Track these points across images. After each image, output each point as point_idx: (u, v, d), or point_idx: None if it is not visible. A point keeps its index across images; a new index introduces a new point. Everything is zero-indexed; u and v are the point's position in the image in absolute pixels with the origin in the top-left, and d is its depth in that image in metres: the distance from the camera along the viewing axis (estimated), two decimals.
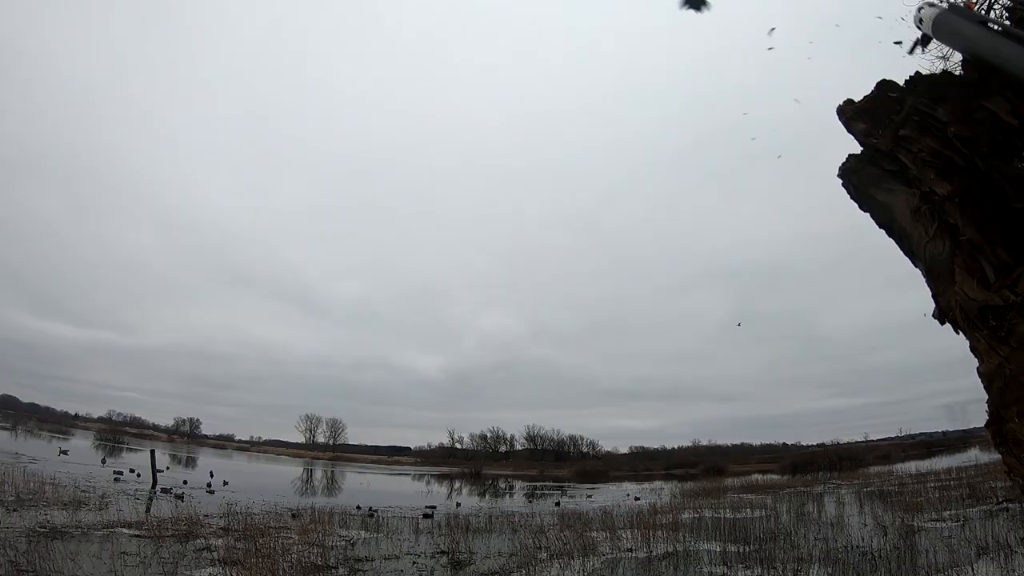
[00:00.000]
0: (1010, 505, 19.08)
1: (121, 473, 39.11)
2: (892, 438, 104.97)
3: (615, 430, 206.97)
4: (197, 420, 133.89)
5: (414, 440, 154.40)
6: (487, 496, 56.32)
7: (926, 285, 6.85)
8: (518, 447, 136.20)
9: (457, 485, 72.79)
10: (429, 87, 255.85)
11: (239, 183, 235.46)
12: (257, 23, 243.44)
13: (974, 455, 52.56)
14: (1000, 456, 6.44)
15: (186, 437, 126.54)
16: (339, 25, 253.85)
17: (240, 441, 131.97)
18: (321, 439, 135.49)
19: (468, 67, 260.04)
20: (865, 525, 20.34)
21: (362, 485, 58.09)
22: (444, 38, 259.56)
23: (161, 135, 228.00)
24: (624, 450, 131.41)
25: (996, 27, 6.32)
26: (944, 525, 18.82)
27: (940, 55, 12.02)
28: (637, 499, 41.08)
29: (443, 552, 18.45)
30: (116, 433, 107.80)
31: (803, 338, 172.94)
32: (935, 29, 6.89)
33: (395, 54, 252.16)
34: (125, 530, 17.83)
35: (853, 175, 7.42)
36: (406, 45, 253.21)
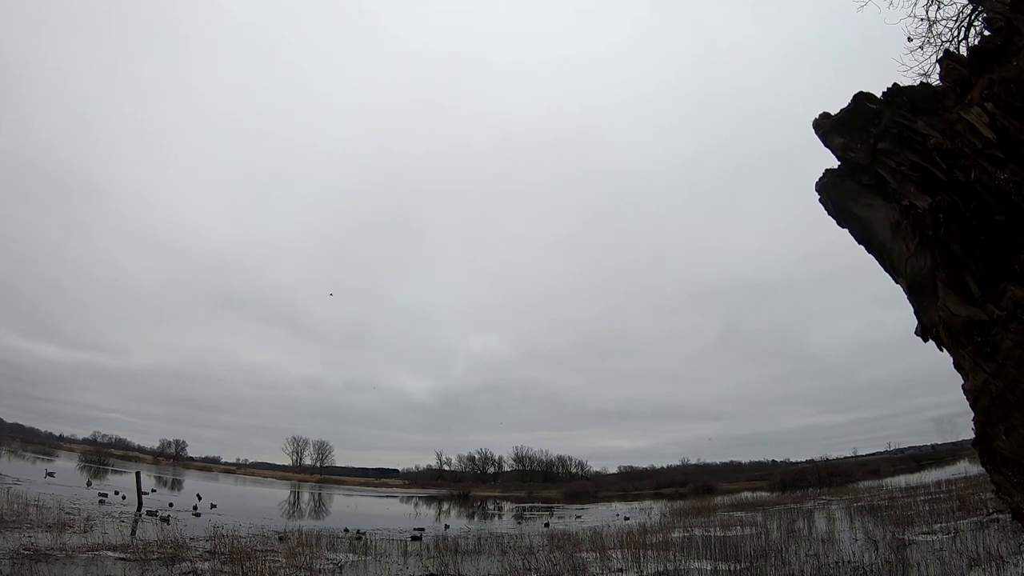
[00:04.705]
0: (1000, 516, 19.12)
1: (106, 495, 38.56)
2: (881, 453, 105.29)
3: (604, 450, 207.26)
4: (183, 442, 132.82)
5: (402, 462, 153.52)
6: (476, 518, 55.95)
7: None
8: (506, 468, 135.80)
9: (445, 507, 72.25)
10: (419, 110, 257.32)
11: (230, 204, 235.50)
12: (251, 45, 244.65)
13: (963, 467, 52.62)
14: (988, 474, 6.36)
15: (172, 459, 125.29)
16: (332, 49, 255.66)
17: (226, 463, 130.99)
18: (308, 461, 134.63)
19: (458, 90, 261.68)
20: (856, 540, 20.30)
21: (350, 507, 57.57)
22: (433, 62, 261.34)
23: (152, 155, 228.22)
24: (613, 470, 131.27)
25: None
26: (935, 538, 18.81)
27: (920, 71, 12.26)
28: (627, 519, 40.87)
29: (432, 575, 18.31)
30: (101, 455, 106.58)
31: (791, 355, 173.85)
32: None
33: (386, 78, 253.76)
34: (110, 553, 17.58)
35: (830, 190, 7.34)
36: (397, 69, 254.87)
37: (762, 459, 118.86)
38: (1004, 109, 6.06)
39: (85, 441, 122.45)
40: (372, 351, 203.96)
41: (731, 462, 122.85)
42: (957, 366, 6.29)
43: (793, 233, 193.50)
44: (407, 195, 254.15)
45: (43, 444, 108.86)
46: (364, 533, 28.89)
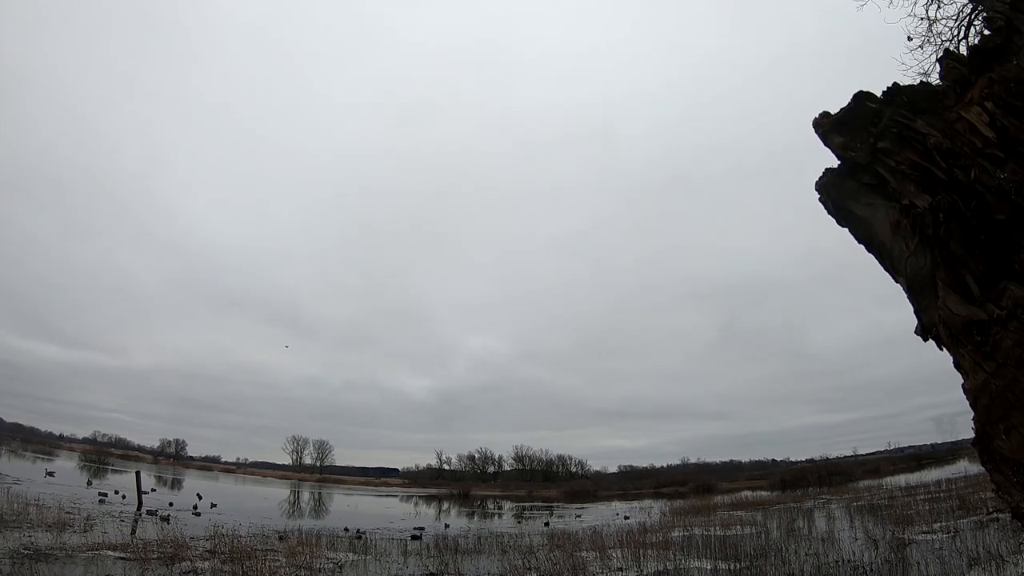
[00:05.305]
0: (1000, 516, 19.11)
1: (106, 495, 38.59)
2: (881, 452, 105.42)
3: (604, 449, 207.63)
4: (183, 441, 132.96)
5: (402, 462, 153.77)
6: (476, 517, 55.96)
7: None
8: (506, 468, 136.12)
9: (445, 506, 72.27)
10: (419, 111, 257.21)
11: (230, 205, 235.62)
12: (251, 47, 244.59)
13: (963, 467, 52.64)
14: (988, 473, 6.35)
15: (172, 459, 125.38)
16: (333, 49, 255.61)
17: (226, 463, 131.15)
18: (308, 461, 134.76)
19: (458, 91, 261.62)
20: (856, 539, 20.30)
21: (349, 507, 57.56)
22: (434, 62, 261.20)
23: (153, 155, 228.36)
24: (613, 469, 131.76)
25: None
26: (935, 537, 18.81)
27: (920, 71, 12.25)
28: (627, 518, 40.89)
29: (432, 574, 18.31)
30: (101, 454, 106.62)
31: (791, 355, 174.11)
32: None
33: (387, 78, 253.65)
34: (110, 552, 17.58)
35: (830, 189, 7.31)
36: (397, 69, 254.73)
37: (762, 458, 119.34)
38: (1004, 108, 6.05)
39: (85, 441, 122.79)
40: (372, 351, 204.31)
41: (731, 461, 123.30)
42: (957, 365, 6.28)
43: (793, 233, 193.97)
44: (407, 195, 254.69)
45: (43, 444, 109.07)
46: (364, 532, 28.91)
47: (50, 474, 49.74)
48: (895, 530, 20.55)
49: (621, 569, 17.80)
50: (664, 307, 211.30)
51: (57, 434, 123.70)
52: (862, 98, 7.05)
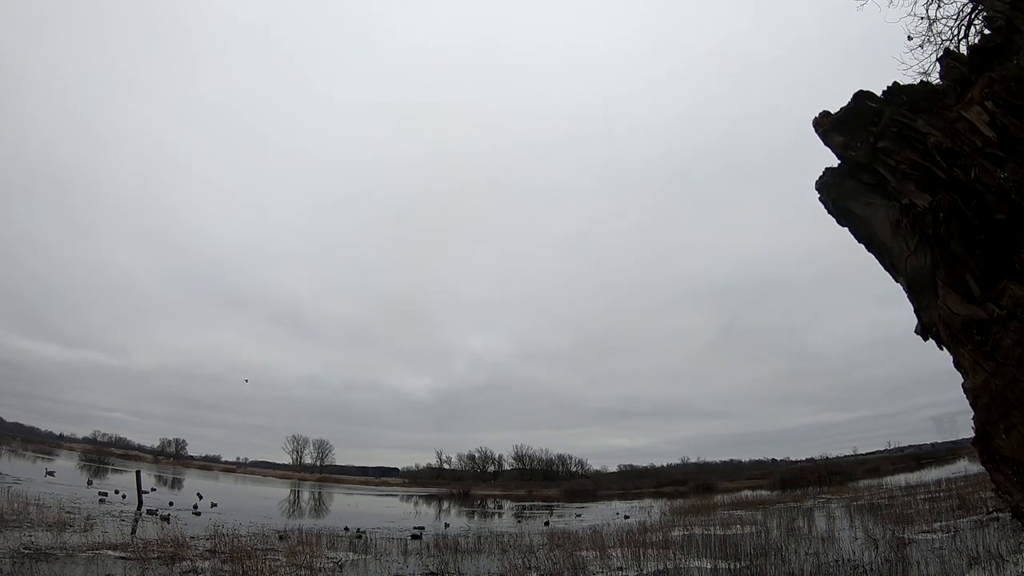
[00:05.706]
0: (1000, 515, 19.11)
1: (106, 494, 38.58)
2: (881, 451, 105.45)
3: (604, 449, 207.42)
4: (183, 441, 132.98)
5: (402, 461, 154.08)
6: (476, 516, 55.96)
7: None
8: (506, 467, 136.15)
9: (445, 506, 72.26)
10: (419, 110, 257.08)
11: (231, 205, 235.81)
12: (251, 47, 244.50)
13: (963, 466, 52.63)
14: (988, 472, 6.34)
15: (172, 458, 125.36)
16: (333, 49, 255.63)
17: (227, 462, 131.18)
18: (308, 460, 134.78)
19: (458, 90, 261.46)
20: (856, 539, 20.31)
21: (350, 506, 57.55)
22: (434, 62, 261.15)
23: (154, 156, 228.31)
24: (613, 469, 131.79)
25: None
26: (935, 536, 18.82)
27: (920, 70, 12.25)
28: (627, 517, 40.90)
29: (432, 573, 18.34)
30: (101, 454, 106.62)
31: (792, 354, 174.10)
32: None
33: (387, 78, 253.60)
34: (110, 552, 17.60)
35: (830, 189, 7.27)
36: (397, 69, 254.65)
37: (762, 458, 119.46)
38: (1004, 108, 6.04)
39: (85, 440, 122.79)
40: (372, 351, 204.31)
41: (731, 461, 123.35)
42: (957, 365, 6.26)
43: (793, 233, 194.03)
44: (407, 195, 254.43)
45: (43, 443, 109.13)
46: (364, 532, 28.90)
47: (50, 474, 49.75)
48: (895, 529, 20.57)
49: (621, 568, 17.81)
50: (664, 307, 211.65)
51: (57, 434, 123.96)
52: (862, 97, 7.03)
